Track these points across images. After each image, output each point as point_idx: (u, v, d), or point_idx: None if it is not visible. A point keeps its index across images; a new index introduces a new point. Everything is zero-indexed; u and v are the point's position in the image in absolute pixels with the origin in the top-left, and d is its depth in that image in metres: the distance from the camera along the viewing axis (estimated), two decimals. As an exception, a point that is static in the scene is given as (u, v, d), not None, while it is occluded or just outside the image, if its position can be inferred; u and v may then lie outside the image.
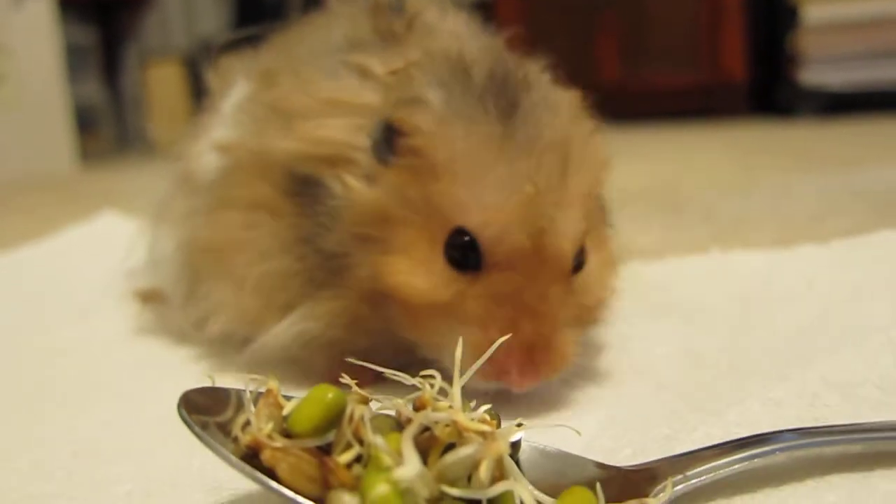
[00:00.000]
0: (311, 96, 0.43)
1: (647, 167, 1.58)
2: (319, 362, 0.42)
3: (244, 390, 0.31)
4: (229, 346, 0.47)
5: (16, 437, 0.42)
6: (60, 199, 1.74)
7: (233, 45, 0.60)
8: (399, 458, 0.27)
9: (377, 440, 0.27)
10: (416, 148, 0.39)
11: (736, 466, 0.31)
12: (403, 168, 0.40)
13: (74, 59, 2.95)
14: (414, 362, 0.39)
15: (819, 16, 2.19)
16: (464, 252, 0.38)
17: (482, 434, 0.29)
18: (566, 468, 0.33)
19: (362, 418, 0.28)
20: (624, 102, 2.57)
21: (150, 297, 0.58)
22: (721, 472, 0.31)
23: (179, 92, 3.39)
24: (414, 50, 0.43)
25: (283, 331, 0.42)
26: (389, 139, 0.40)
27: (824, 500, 0.30)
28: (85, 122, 3.00)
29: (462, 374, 0.33)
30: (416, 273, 0.39)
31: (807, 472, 0.32)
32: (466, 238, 0.38)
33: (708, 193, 1.13)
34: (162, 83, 3.43)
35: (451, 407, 0.30)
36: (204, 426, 0.29)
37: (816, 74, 2.21)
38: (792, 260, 0.56)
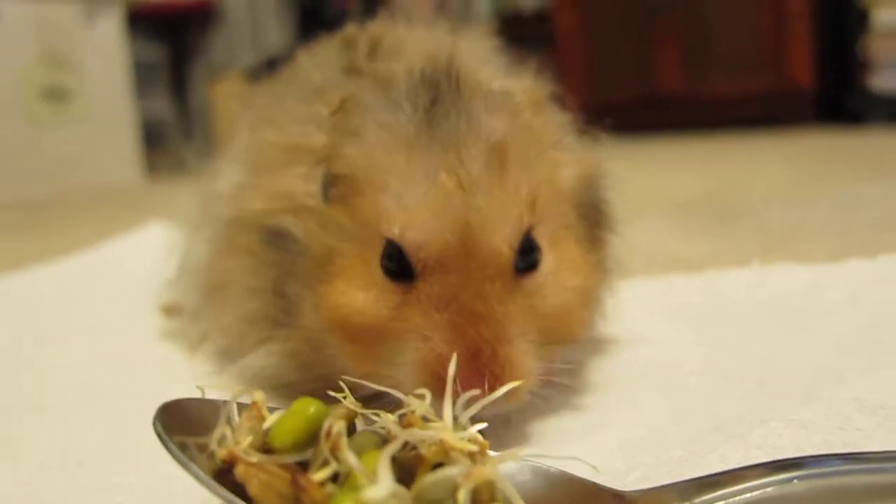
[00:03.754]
0: (275, 146, 0.44)
1: (704, 177, 1.53)
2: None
3: (228, 402, 0.30)
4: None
5: (25, 443, 0.42)
6: (124, 211, 1.79)
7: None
8: (376, 477, 0.25)
9: (350, 458, 0.26)
10: (343, 176, 0.39)
11: (747, 495, 0.28)
12: (337, 199, 0.39)
13: (143, 75, 3.06)
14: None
15: (890, 19, 2.10)
16: (395, 262, 0.36)
17: (471, 455, 0.28)
18: (568, 492, 0.31)
19: (340, 434, 0.27)
20: (686, 111, 2.51)
21: (172, 311, 0.59)
22: (732, 500, 0.28)
23: (242, 92, 3.46)
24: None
25: (248, 365, 0.42)
26: (329, 180, 0.39)
27: (849, 535, 0.27)
28: (153, 136, 3.10)
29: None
30: (354, 293, 0.37)
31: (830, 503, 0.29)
32: (395, 248, 0.36)
33: (765, 204, 1.09)
34: (228, 98, 3.52)
35: (441, 426, 0.28)
36: (182, 443, 0.28)
37: (888, 80, 2.12)
38: (836, 274, 0.53)
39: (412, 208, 0.36)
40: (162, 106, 3.45)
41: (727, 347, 0.47)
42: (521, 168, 0.38)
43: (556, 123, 0.43)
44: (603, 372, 0.46)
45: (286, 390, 0.40)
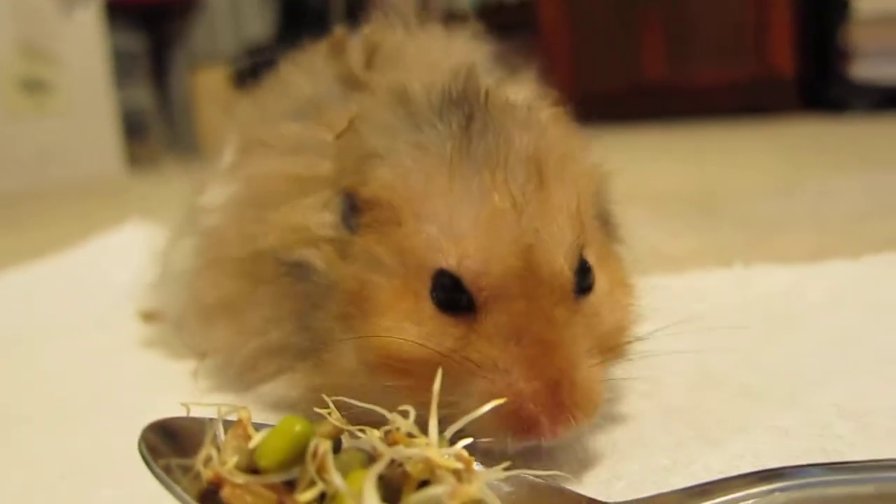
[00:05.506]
0: (278, 176, 0.41)
1: (686, 168, 1.54)
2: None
3: (213, 420, 0.30)
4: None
5: (7, 456, 0.41)
6: (105, 204, 1.78)
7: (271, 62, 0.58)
8: (362, 498, 0.25)
9: (337, 479, 0.26)
10: (374, 202, 0.36)
11: (728, 508, 0.29)
12: (369, 228, 0.36)
13: (123, 65, 3.03)
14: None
15: (871, 8, 2.11)
16: (450, 294, 0.34)
17: (456, 472, 0.28)
18: (551, 502, 0.31)
19: (326, 453, 0.27)
20: (669, 100, 2.52)
21: (151, 317, 0.59)
22: (715, 511, 0.29)
23: (226, 97, 3.44)
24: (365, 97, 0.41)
25: (267, 393, 0.41)
26: (352, 207, 0.37)
27: (830, 546, 0.28)
28: (134, 127, 3.07)
29: (486, 432, 0.32)
30: (406, 328, 0.34)
31: (811, 514, 0.29)
32: (449, 278, 0.34)
33: (747, 195, 1.10)
34: (209, 88, 3.49)
35: (427, 444, 0.29)
36: (167, 465, 0.28)
37: (869, 69, 2.13)
38: (818, 275, 0.53)
39: (466, 234, 0.33)
40: (142, 96, 3.42)
41: (709, 349, 0.47)
42: (561, 184, 0.36)
43: (575, 136, 0.42)
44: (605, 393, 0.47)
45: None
